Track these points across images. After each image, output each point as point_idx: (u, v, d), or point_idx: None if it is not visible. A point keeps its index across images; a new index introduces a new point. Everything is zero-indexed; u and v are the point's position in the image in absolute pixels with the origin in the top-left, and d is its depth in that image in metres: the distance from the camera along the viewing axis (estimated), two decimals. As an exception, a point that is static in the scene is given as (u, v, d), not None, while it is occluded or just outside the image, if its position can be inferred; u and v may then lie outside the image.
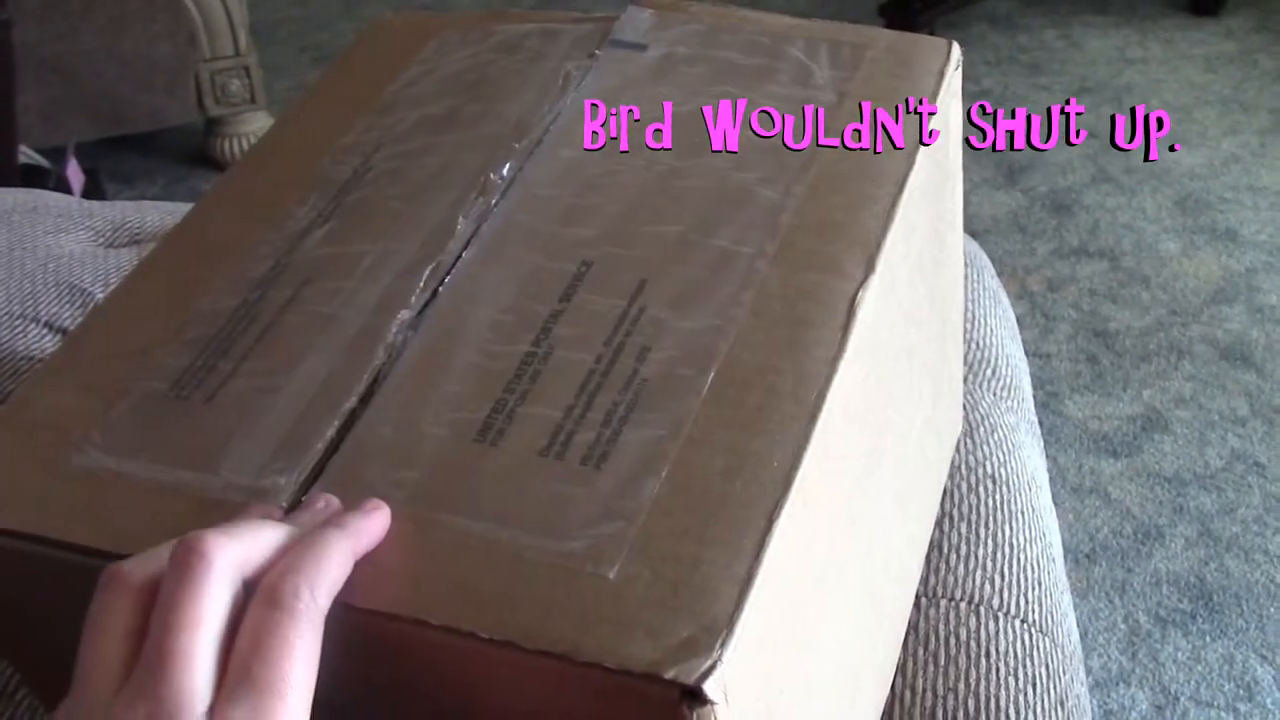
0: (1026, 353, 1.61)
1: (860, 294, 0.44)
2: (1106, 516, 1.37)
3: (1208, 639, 1.24)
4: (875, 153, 0.50)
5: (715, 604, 0.35)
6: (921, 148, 0.50)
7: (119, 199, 1.94)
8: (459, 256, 0.47)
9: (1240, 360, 1.55)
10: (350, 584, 0.37)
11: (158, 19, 1.78)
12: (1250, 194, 1.82)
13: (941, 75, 0.54)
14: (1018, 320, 1.64)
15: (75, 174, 1.72)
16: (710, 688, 0.33)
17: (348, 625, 0.36)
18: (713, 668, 0.33)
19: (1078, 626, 1.27)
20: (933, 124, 0.52)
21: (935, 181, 0.53)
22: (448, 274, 0.47)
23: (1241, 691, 1.19)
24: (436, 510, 0.39)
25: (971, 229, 1.78)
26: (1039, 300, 1.66)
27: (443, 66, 0.58)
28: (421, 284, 0.46)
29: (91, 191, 1.76)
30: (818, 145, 0.50)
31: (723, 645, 0.34)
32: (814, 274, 0.45)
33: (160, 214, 1.03)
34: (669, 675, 0.33)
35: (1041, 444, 0.79)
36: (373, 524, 0.38)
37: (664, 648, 0.34)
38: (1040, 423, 1.50)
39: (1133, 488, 1.40)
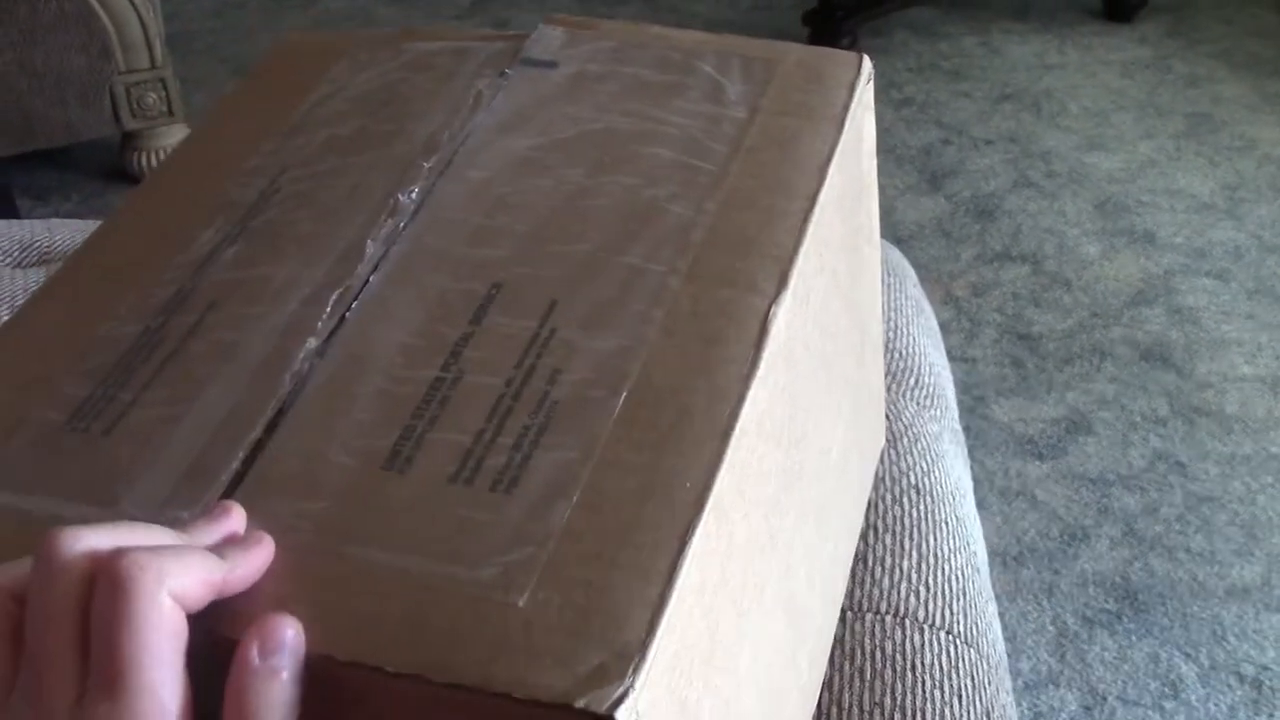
0: (952, 358, 1.62)
1: (773, 309, 0.43)
2: (1033, 519, 1.38)
3: (1133, 638, 1.25)
4: (787, 168, 0.49)
5: (626, 629, 0.34)
6: (834, 162, 0.49)
7: (32, 215, 1.90)
8: (367, 280, 0.46)
9: (1160, 361, 1.57)
10: (254, 621, 0.35)
11: (70, 31, 1.74)
12: (1167, 197, 1.85)
13: (853, 88, 0.54)
14: (943, 326, 1.66)
15: (-14, 191, 1.67)
16: (622, 716, 0.33)
17: None
18: (624, 695, 0.33)
19: (1007, 629, 1.28)
20: (845, 137, 0.52)
21: (850, 195, 0.53)
22: (355, 299, 0.46)
23: (1167, 690, 1.21)
24: (343, 542, 0.38)
25: (896, 235, 1.79)
26: (964, 305, 1.67)
27: (352, 86, 0.57)
28: (328, 309, 0.45)
29: (2, 208, 1.71)
30: (729, 161, 0.50)
31: (634, 672, 0.33)
32: (726, 290, 0.44)
33: (70, 232, 1.00)
34: (580, 704, 0.33)
35: (965, 452, 0.80)
36: (251, 558, 0.36)
37: (574, 676, 0.33)
38: (967, 427, 1.52)
39: (1058, 490, 1.41)
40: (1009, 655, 1.28)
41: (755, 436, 0.41)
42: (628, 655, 0.34)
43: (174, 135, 1.91)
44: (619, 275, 0.45)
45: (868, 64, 0.56)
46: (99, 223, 0.61)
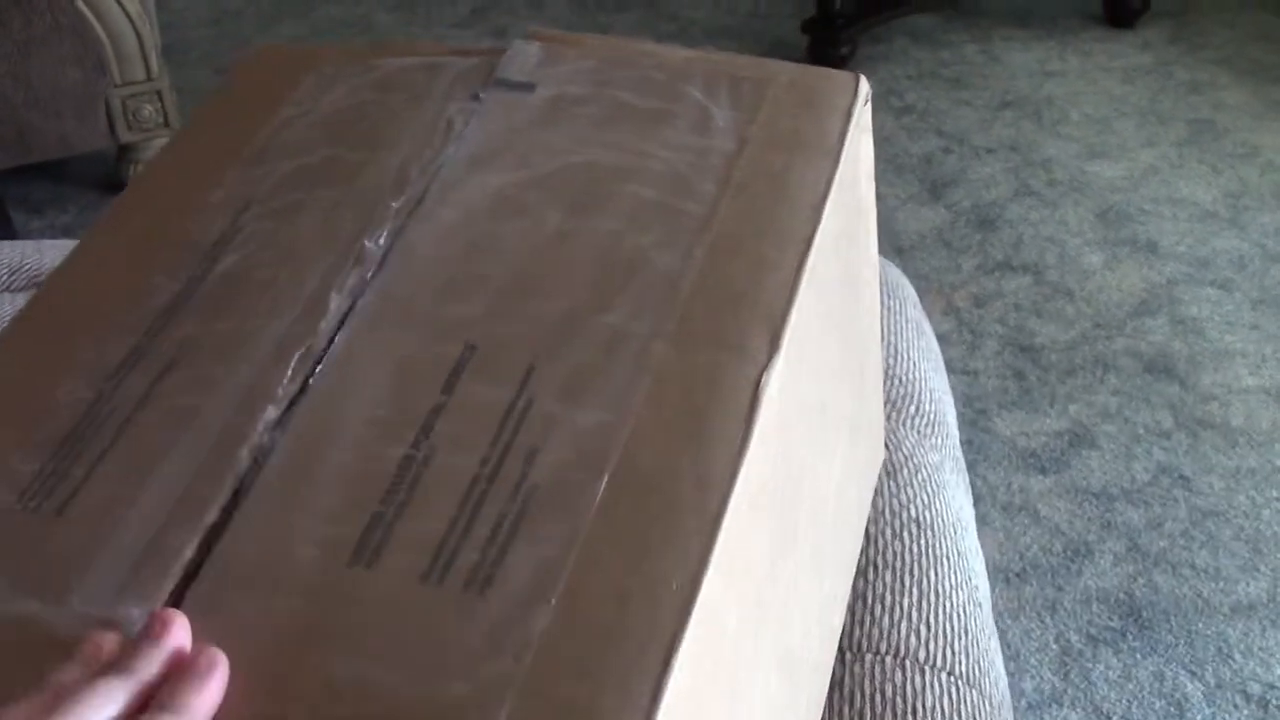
0: (954, 370, 1.61)
1: (765, 376, 0.41)
2: (1036, 534, 1.37)
3: (1138, 656, 1.24)
4: (779, 208, 0.47)
5: None
6: (829, 201, 0.48)
7: (28, 228, 1.88)
8: (332, 339, 0.44)
9: (1164, 373, 1.56)
10: None
11: (65, 44, 1.73)
12: (1169, 205, 1.83)
13: (849, 114, 0.51)
14: (945, 337, 1.65)
15: (-20, 205, 1.66)
16: None
17: None
18: None
19: (1010, 647, 1.26)
20: (841, 170, 0.50)
21: (847, 228, 0.52)
22: (319, 361, 0.43)
23: (1172, 709, 1.19)
24: (305, 648, 0.35)
25: (897, 245, 1.78)
26: (965, 317, 1.66)
27: (318, 108, 0.54)
28: (290, 373, 0.43)
29: (-3, 223, 1.70)
30: (717, 201, 0.47)
31: None
32: (714, 355, 0.42)
33: (59, 253, 0.99)
34: None
35: (967, 480, 0.78)
36: (207, 696, 0.34)
37: None
38: (969, 441, 1.50)
39: (1061, 504, 1.40)
40: (1012, 674, 1.26)
41: (747, 519, 0.39)
42: None
43: (170, 147, 1.89)
44: (601, 337, 0.43)
45: (864, 85, 0.53)
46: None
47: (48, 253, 0.99)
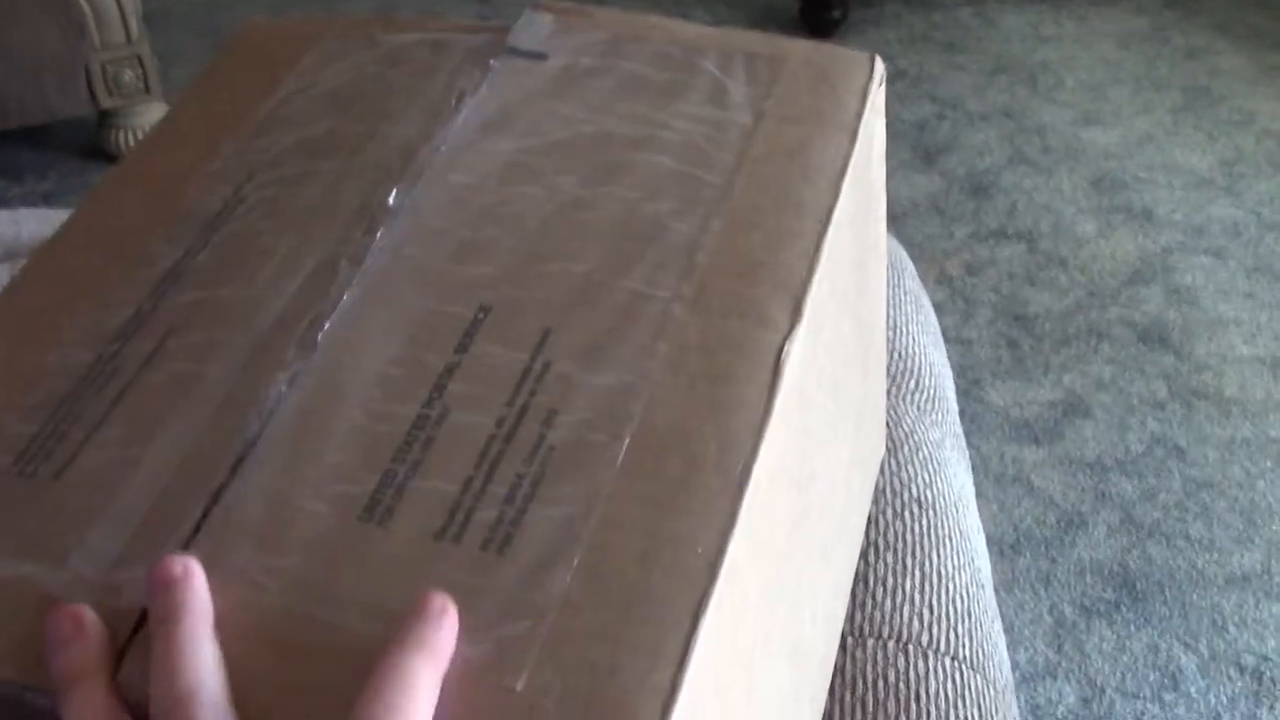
0: (947, 339, 1.59)
1: (787, 346, 0.40)
2: (1030, 506, 1.36)
3: (1132, 628, 1.24)
4: (797, 182, 0.46)
5: None
6: (847, 177, 0.46)
7: (8, 195, 1.85)
8: (340, 300, 0.43)
9: (1158, 342, 1.55)
10: None
11: (45, 9, 1.70)
12: (1165, 173, 1.82)
13: (865, 93, 0.50)
14: (938, 306, 1.63)
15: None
16: None
17: None
18: None
19: (1004, 620, 1.26)
20: (858, 148, 0.48)
21: (861, 207, 0.50)
22: (328, 321, 0.42)
23: (1167, 681, 1.19)
24: (315, 604, 0.34)
25: (890, 212, 1.76)
26: (958, 285, 1.65)
27: (322, 81, 0.53)
28: (297, 335, 0.42)
29: (-24, 190, 1.68)
30: (735, 173, 0.46)
31: None
32: (735, 322, 0.41)
33: (39, 223, 0.96)
34: None
35: (967, 456, 0.77)
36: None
37: None
38: (963, 411, 1.49)
39: (1055, 475, 1.39)
40: (1005, 647, 1.26)
41: (768, 487, 0.38)
42: None
43: (152, 113, 1.87)
44: (618, 301, 0.42)
45: (880, 66, 0.52)
46: (69, 212, 0.58)
47: (25, 222, 0.97)
